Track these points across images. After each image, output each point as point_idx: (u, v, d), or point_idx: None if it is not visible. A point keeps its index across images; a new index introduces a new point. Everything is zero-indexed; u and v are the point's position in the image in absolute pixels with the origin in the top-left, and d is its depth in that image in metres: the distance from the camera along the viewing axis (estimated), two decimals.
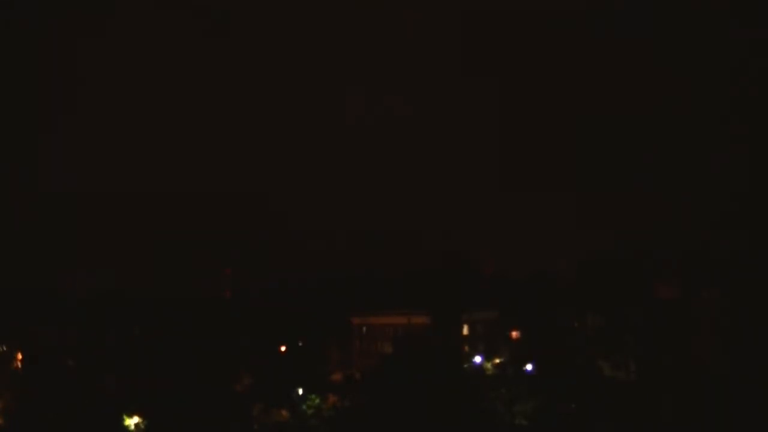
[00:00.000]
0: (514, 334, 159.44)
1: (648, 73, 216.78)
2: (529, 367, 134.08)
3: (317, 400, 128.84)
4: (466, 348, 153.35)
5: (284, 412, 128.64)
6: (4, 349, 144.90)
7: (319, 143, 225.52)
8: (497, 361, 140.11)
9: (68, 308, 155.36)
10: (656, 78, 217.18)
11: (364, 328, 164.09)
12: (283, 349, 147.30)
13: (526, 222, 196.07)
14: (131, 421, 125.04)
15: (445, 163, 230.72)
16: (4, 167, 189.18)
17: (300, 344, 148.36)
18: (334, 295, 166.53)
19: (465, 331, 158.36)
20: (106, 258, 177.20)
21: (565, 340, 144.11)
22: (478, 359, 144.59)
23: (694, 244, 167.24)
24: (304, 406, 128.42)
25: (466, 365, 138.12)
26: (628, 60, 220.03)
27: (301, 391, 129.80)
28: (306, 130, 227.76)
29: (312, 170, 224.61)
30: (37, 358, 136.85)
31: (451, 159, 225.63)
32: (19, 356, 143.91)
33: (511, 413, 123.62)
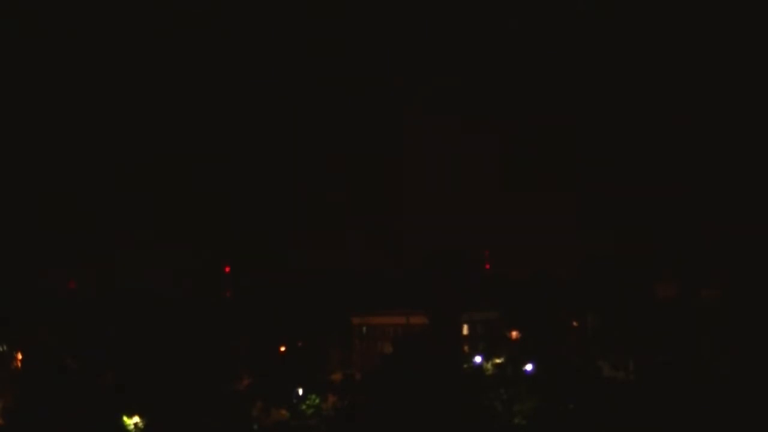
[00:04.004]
0: (514, 334, 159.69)
1: (648, 72, 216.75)
2: (528, 367, 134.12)
3: (317, 400, 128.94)
4: (466, 348, 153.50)
5: (284, 412, 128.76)
6: (4, 349, 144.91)
7: (318, 143, 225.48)
8: (497, 361, 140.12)
9: (68, 308, 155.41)
10: (656, 77, 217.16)
11: (364, 328, 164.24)
12: (283, 349, 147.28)
13: (526, 222, 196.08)
14: (131, 421, 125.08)
15: (444, 163, 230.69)
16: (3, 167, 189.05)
17: (300, 344, 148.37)
18: (334, 295, 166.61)
19: (465, 331, 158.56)
20: (107, 258, 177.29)
21: (565, 340, 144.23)
22: (478, 359, 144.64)
23: (694, 244, 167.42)
24: (304, 406, 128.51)
25: (466, 365, 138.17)
26: (629, 60, 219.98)
27: (301, 391, 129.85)
28: (306, 131, 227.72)
29: (312, 171, 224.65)
30: (37, 358, 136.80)
31: (450, 159, 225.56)
32: (19, 356, 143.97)
33: (510, 413, 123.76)
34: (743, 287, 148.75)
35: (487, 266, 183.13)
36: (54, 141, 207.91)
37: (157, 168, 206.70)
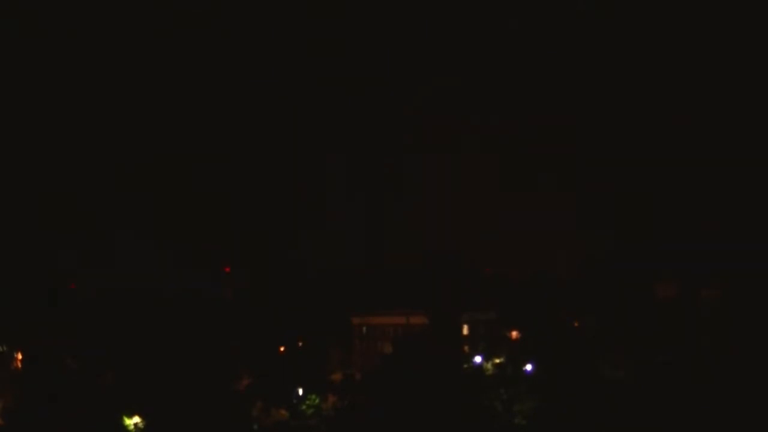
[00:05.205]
0: (514, 334, 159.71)
1: (648, 72, 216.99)
2: (528, 367, 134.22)
3: (317, 400, 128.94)
4: (466, 348, 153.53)
5: (284, 412, 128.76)
6: (4, 349, 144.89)
7: (317, 143, 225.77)
8: (497, 361, 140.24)
9: (68, 308, 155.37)
10: (656, 77, 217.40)
11: (364, 328, 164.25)
12: (282, 349, 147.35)
13: (526, 222, 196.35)
14: (131, 421, 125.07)
15: (444, 164, 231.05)
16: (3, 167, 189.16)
17: (300, 344, 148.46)
18: (334, 295, 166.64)
19: (465, 331, 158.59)
20: (107, 258, 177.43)
21: (565, 340, 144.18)
22: (478, 359, 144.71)
23: (694, 244, 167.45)
24: (304, 406, 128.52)
25: (466, 365, 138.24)
26: (629, 60, 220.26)
27: (301, 391, 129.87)
28: (306, 131, 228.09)
29: (313, 170, 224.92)
30: (37, 358, 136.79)
31: (450, 160, 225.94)
32: (19, 356, 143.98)
33: (510, 413, 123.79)
34: (743, 287, 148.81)
35: (488, 270, 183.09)
36: (54, 141, 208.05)
37: (157, 168, 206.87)
